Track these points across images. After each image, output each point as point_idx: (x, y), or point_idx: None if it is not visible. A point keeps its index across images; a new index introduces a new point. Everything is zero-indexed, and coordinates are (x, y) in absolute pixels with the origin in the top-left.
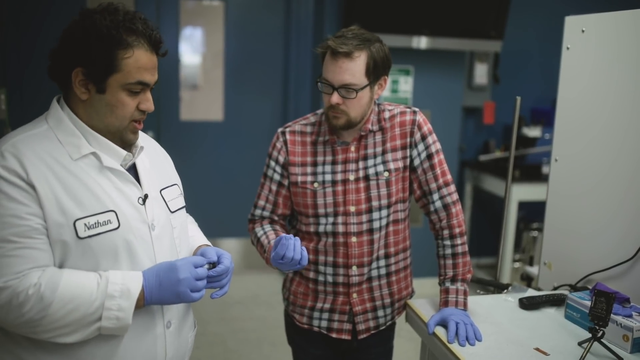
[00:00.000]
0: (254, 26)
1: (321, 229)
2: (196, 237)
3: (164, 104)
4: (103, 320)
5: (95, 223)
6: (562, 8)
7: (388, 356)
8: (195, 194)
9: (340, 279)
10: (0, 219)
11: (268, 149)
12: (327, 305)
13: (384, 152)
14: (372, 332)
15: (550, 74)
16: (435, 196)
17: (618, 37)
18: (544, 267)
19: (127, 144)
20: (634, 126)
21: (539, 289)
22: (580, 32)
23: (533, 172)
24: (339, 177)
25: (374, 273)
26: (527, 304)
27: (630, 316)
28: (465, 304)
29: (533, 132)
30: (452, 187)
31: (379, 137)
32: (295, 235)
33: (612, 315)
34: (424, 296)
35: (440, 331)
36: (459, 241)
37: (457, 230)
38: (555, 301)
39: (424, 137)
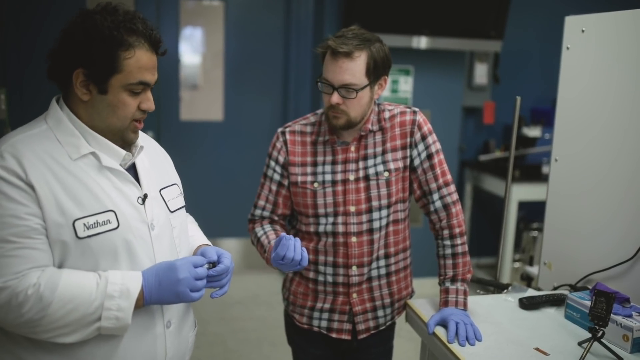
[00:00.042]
0: (254, 26)
1: (321, 229)
2: (196, 236)
3: (164, 104)
4: (102, 320)
5: (94, 223)
6: (562, 8)
7: (388, 356)
8: (195, 194)
9: (340, 279)
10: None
11: (268, 149)
12: (327, 305)
13: (384, 152)
14: (372, 332)
15: (550, 74)
16: (435, 196)
17: (618, 37)
18: (544, 267)
19: (128, 144)
20: (634, 126)
21: (539, 289)
22: (580, 32)
23: (533, 172)
24: (339, 177)
25: (374, 273)
26: (527, 304)
27: (630, 316)
28: (465, 304)
29: (533, 132)
30: (452, 187)
31: (379, 137)
32: (295, 235)
33: (612, 315)
34: (424, 296)
35: (440, 331)
36: (459, 241)
37: (457, 230)
38: (555, 301)
39: (424, 137)
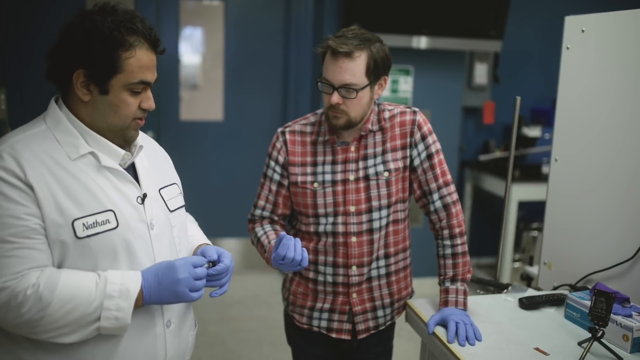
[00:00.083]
0: (254, 26)
1: (321, 229)
2: (196, 236)
3: (164, 104)
4: (102, 321)
5: (93, 223)
6: (562, 8)
7: (388, 356)
8: (195, 194)
9: (340, 279)
10: None
11: (268, 149)
12: (326, 305)
13: (384, 152)
14: (372, 332)
15: (550, 73)
16: (435, 196)
17: (618, 37)
18: (543, 267)
19: (129, 142)
20: (634, 126)
21: (538, 289)
22: (580, 32)
23: (533, 172)
24: (339, 177)
25: (374, 273)
26: (527, 304)
27: (630, 316)
28: (465, 304)
29: (533, 132)
30: (452, 187)
31: (378, 137)
32: (295, 235)
33: (612, 315)
34: (423, 296)
35: (440, 331)
36: (458, 241)
37: (457, 230)
38: (555, 301)
39: (424, 137)
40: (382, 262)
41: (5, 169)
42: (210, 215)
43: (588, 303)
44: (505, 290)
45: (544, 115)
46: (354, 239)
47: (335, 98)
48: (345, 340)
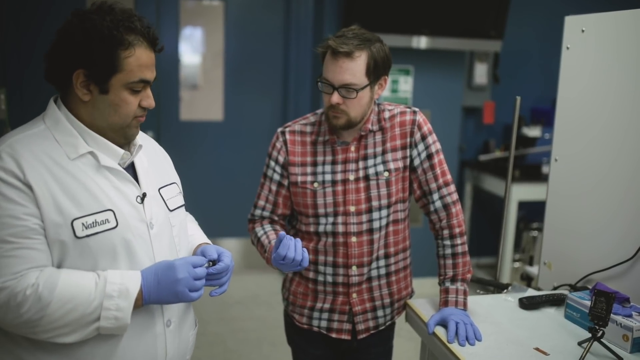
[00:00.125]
0: (254, 26)
1: (321, 229)
2: (196, 235)
3: (164, 104)
4: (101, 320)
5: (93, 222)
6: (562, 8)
7: (388, 356)
8: (195, 194)
9: (340, 279)
10: None
11: (268, 149)
12: (326, 305)
13: (384, 152)
14: (372, 332)
15: (550, 73)
16: (435, 196)
17: (618, 37)
18: (544, 267)
19: (130, 140)
20: (634, 126)
21: (538, 289)
22: (580, 32)
23: (533, 172)
24: (339, 177)
25: (374, 273)
26: (527, 304)
27: (630, 316)
28: (465, 304)
29: (533, 132)
30: (452, 187)
31: (378, 137)
32: (295, 235)
33: (612, 315)
34: (423, 296)
35: (440, 331)
36: (458, 241)
37: (457, 230)
38: (555, 301)
39: (424, 137)
40: (382, 262)
41: (4, 169)
42: (210, 215)
43: (588, 303)
44: (505, 290)
45: (544, 115)
46: (354, 239)
47: (335, 98)
48: (345, 340)
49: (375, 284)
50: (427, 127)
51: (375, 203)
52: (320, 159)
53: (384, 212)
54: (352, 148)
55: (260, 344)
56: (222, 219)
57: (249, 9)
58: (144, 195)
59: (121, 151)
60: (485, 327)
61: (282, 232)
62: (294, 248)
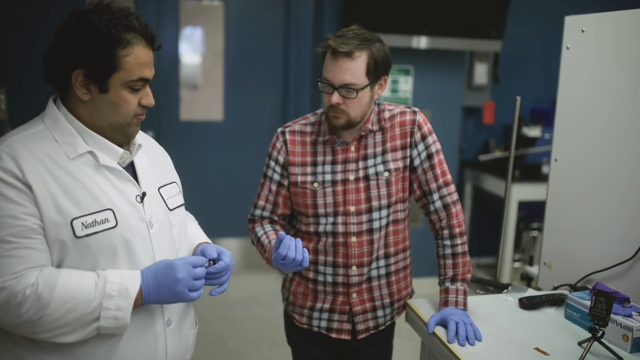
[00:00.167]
0: (254, 26)
1: (321, 229)
2: (196, 234)
3: (164, 104)
4: (101, 320)
5: (92, 222)
6: (562, 8)
7: (388, 356)
8: (195, 194)
9: (340, 279)
10: None
11: (268, 149)
12: (326, 305)
13: (384, 152)
14: (372, 332)
15: (550, 74)
16: (435, 196)
17: (618, 37)
18: (544, 267)
19: (130, 138)
20: (634, 126)
21: (539, 289)
22: (580, 32)
23: (533, 172)
24: (339, 177)
25: (374, 273)
26: (527, 304)
27: (630, 316)
28: (465, 304)
29: (533, 132)
30: (452, 187)
31: (379, 137)
32: (295, 235)
33: (612, 315)
34: (423, 296)
35: (440, 331)
36: (458, 241)
37: (457, 230)
38: (555, 301)
39: (424, 137)
40: (382, 262)
41: (3, 169)
42: (210, 215)
43: (588, 303)
44: (505, 290)
45: (544, 115)
46: (353, 239)
47: (336, 98)
48: (345, 340)
49: (375, 284)
50: (427, 127)
51: (375, 203)
52: (320, 159)
53: (384, 212)
54: (352, 148)
55: (260, 344)
56: (222, 219)
57: (249, 9)
58: (144, 194)
59: (121, 150)
60: (485, 327)
61: (282, 233)
62: (295, 248)
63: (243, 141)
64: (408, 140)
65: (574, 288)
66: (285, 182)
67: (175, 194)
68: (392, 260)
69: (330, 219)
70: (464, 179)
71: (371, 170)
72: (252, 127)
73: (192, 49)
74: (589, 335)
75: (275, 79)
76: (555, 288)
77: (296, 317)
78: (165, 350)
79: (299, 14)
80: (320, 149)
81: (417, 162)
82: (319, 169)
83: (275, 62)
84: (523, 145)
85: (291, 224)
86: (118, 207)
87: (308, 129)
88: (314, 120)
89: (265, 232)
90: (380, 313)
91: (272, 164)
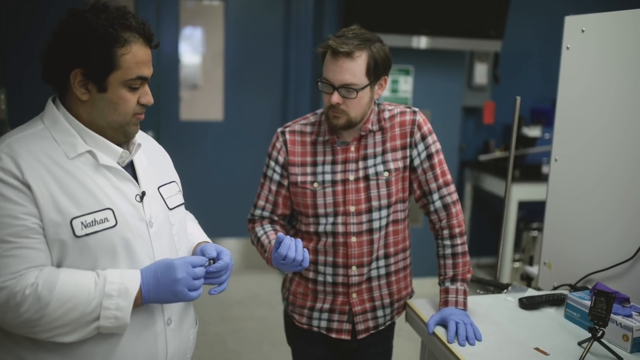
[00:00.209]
0: (254, 26)
1: (321, 229)
2: (196, 234)
3: (164, 104)
4: (101, 320)
5: (92, 221)
6: (562, 8)
7: (388, 356)
8: (195, 194)
9: (340, 279)
10: None
11: (268, 149)
12: (326, 306)
13: (383, 152)
14: (372, 332)
15: (550, 74)
16: (435, 196)
17: (618, 37)
18: (544, 267)
19: (130, 137)
20: (634, 126)
21: (539, 289)
22: (580, 32)
23: (533, 172)
24: (339, 177)
25: (374, 273)
26: (527, 304)
27: (630, 316)
28: (465, 304)
29: (533, 132)
30: (452, 187)
31: (378, 137)
32: (295, 235)
33: (612, 315)
34: (423, 296)
35: (440, 331)
36: (458, 241)
37: (457, 230)
38: (555, 301)
39: (424, 137)
40: (382, 262)
41: (2, 169)
42: (210, 215)
43: (588, 303)
44: (505, 290)
45: (544, 115)
46: (353, 239)
47: (336, 98)
48: (345, 340)
49: (375, 284)
50: (427, 127)
51: (375, 203)
52: (320, 159)
53: (383, 212)
54: (352, 148)
55: (260, 344)
56: (222, 219)
57: (249, 9)
58: (143, 193)
59: (120, 150)
60: (485, 327)
61: (281, 234)
62: (295, 248)
63: (243, 141)
64: (408, 140)
65: (574, 288)
66: (285, 182)
67: (174, 194)
68: (392, 260)
69: (330, 219)
70: (464, 179)
71: (371, 170)
72: (252, 127)
73: (192, 49)
74: (589, 335)
75: (275, 79)
76: (555, 288)
77: (296, 317)
78: (166, 349)
79: (299, 14)
80: (320, 149)
81: (417, 162)
82: (319, 169)
83: (275, 62)
84: (523, 145)
85: (291, 224)
86: (118, 206)
87: (308, 129)
88: (314, 120)
89: (265, 232)
90: (380, 313)
91: (272, 164)
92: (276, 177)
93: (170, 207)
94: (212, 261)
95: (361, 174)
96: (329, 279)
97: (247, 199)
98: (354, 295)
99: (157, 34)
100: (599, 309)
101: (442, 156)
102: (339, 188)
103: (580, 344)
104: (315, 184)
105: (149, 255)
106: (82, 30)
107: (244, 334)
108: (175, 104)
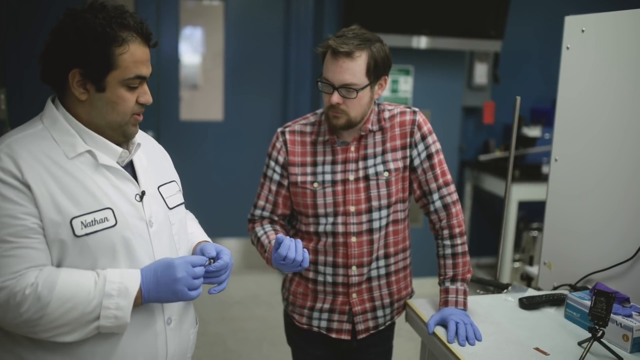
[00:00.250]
0: (254, 26)
1: (321, 229)
2: (196, 233)
3: (164, 104)
4: (101, 319)
5: (92, 221)
6: (562, 8)
7: (387, 356)
8: (195, 194)
9: (340, 279)
10: None
11: (268, 149)
12: (326, 306)
13: (383, 152)
14: (372, 332)
15: (550, 74)
16: (435, 196)
17: (618, 37)
18: (544, 267)
19: (129, 138)
20: (634, 126)
21: (539, 289)
22: (580, 32)
23: (533, 172)
24: (339, 177)
25: (374, 273)
26: (527, 304)
27: (630, 316)
28: (465, 304)
29: (533, 132)
30: (452, 187)
31: (378, 137)
32: (295, 236)
33: (612, 315)
34: (423, 296)
35: (440, 331)
36: (458, 241)
37: (457, 230)
38: (555, 301)
39: (423, 137)
40: (382, 262)
41: (2, 169)
42: (210, 215)
43: (588, 303)
44: (505, 290)
45: (544, 115)
46: (353, 239)
47: (336, 98)
48: (345, 340)
49: (375, 284)
50: (427, 127)
51: (375, 203)
52: (320, 159)
53: (383, 212)
54: (352, 148)
55: (260, 344)
56: (222, 219)
57: (249, 9)
58: (143, 193)
59: (119, 149)
60: (485, 327)
61: (280, 235)
62: (295, 249)
63: (243, 141)
64: (408, 140)
65: (574, 288)
66: (285, 182)
67: (174, 193)
68: (392, 260)
69: (330, 219)
70: (464, 179)
71: (371, 170)
72: (252, 127)
73: (192, 49)
74: (589, 335)
75: (275, 79)
76: (555, 288)
77: (296, 317)
78: (166, 349)
79: (299, 14)
80: (320, 149)
81: (417, 162)
82: (319, 169)
83: (275, 62)
84: (523, 145)
85: (291, 224)
86: (117, 206)
87: (308, 129)
88: (314, 120)
89: (265, 232)
90: (380, 313)
91: (272, 164)
92: (276, 177)
93: (170, 207)
94: (212, 260)
95: (361, 174)
96: (329, 279)
97: (247, 199)
98: (354, 295)
99: (157, 34)
100: (599, 309)
101: (442, 156)
102: (339, 188)
103: (580, 344)
104: (315, 184)
105: (148, 255)
106: (79, 30)
107: (244, 334)
108: (175, 104)
